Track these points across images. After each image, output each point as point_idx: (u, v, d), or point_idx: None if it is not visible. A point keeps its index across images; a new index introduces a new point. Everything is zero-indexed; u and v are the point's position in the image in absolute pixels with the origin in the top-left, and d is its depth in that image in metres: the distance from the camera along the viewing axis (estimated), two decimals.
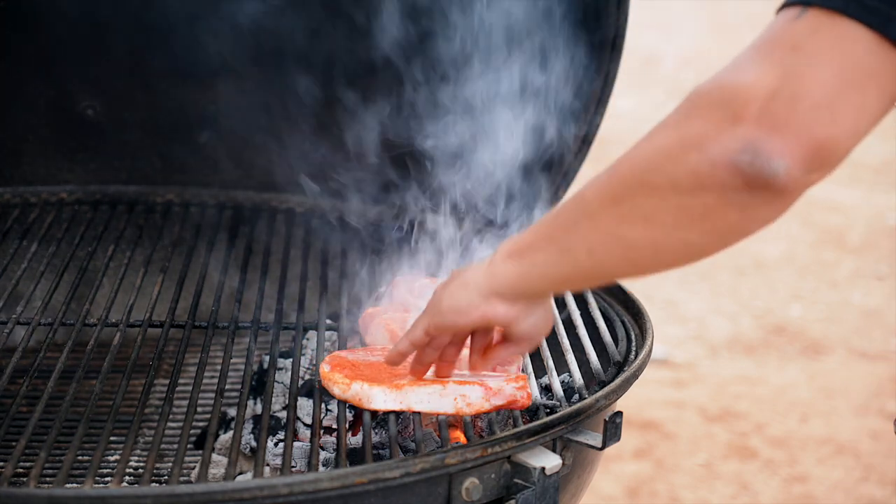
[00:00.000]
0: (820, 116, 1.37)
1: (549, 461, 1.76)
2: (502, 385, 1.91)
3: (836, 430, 4.48)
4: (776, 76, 1.38)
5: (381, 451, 1.97)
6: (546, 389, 2.14)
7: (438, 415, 1.90)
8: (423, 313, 1.84)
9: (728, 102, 1.40)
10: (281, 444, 2.05)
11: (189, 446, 2.26)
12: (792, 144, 1.38)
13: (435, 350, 1.86)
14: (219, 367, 2.15)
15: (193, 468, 2.18)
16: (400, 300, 2.29)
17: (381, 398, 1.90)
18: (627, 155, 1.53)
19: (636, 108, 8.21)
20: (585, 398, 1.93)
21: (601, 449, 1.84)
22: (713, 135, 1.41)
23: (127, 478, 2.19)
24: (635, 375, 2.03)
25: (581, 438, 1.84)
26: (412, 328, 1.85)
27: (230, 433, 2.17)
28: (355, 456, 1.95)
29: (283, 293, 2.41)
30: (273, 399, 2.16)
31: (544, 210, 2.97)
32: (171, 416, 2.33)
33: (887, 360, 5.05)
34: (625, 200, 1.52)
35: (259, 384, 2.27)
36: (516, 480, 1.76)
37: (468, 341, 1.95)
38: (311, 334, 2.34)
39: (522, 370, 2.07)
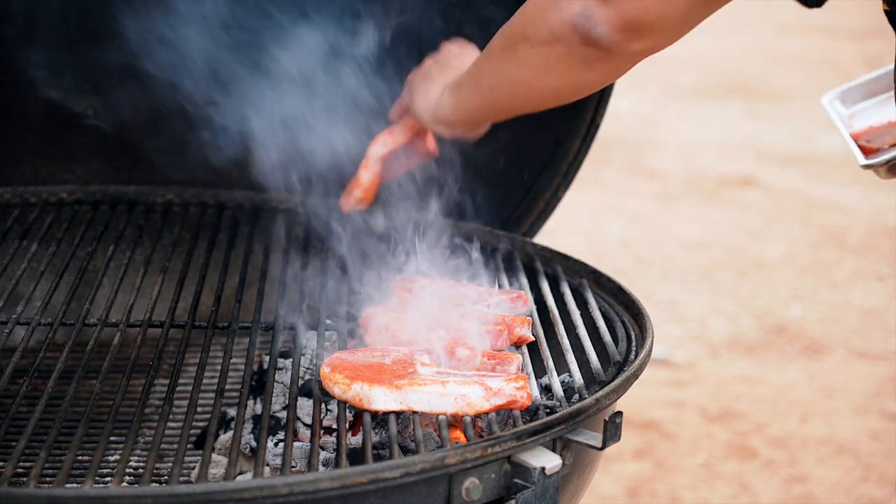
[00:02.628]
0: None
1: (549, 461, 1.76)
2: (502, 385, 1.91)
3: (836, 430, 4.48)
4: None
5: (381, 451, 1.97)
6: (546, 389, 2.14)
7: (438, 415, 1.90)
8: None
9: None
10: (281, 444, 2.05)
11: (189, 446, 2.26)
12: (612, 16, 1.82)
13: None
14: (219, 367, 2.15)
15: (193, 468, 2.18)
16: (400, 300, 2.29)
17: (381, 399, 1.90)
18: (519, 11, 1.98)
19: (636, 108, 8.21)
20: (585, 398, 1.93)
21: (601, 449, 1.84)
22: (565, 0, 1.85)
23: (127, 478, 2.19)
24: (635, 375, 2.03)
25: (581, 438, 1.84)
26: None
27: (230, 433, 2.17)
28: (355, 456, 1.95)
29: (283, 293, 2.41)
30: (273, 399, 2.16)
31: (544, 210, 2.97)
32: (171, 416, 2.33)
33: (887, 360, 5.05)
34: (510, 48, 2.00)
35: (259, 384, 2.27)
36: (516, 480, 1.76)
37: (467, 342, 1.95)
38: (311, 334, 2.34)
39: (522, 370, 2.07)
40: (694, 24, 1.87)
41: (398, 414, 1.91)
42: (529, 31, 1.95)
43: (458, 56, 2.35)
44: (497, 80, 2.07)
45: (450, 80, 2.23)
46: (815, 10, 1.91)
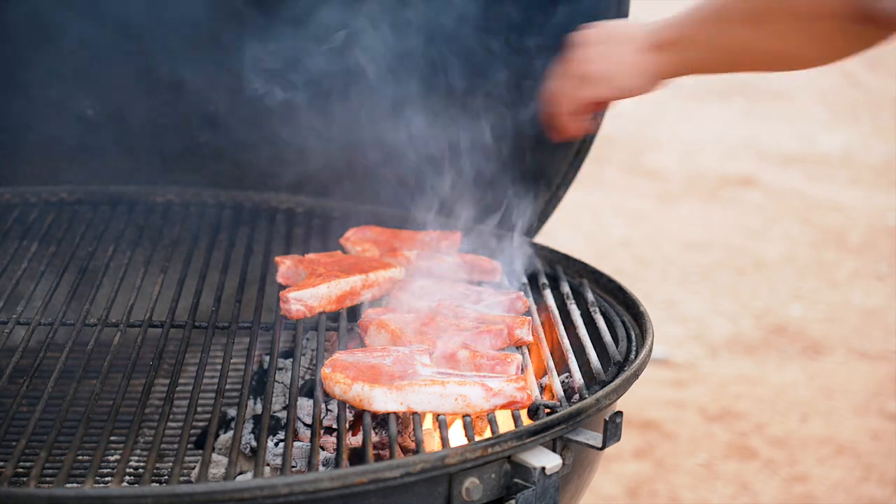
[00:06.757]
0: None
1: (549, 461, 1.76)
2: (502, 385, 1.91)
3: (836, 430, 4.48)
4: None
5: (381, 451, 1.97)
6: (546, 389, 2.14)
7: (438, 415, 1.90)
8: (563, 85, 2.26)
9: None
10: (281, 444, 2.05)
11: (189, 446, 2.26)
12: None
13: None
14: (219, 367, 2.15)
15: (193, 468, 2.18)
16: (400, 301, 2.29)
17: (381, 399, 1.90)
18: None
19: (636, 108, 8.20)
20: (585, 398, 1.93)
21: (601, 449, 1.84)
22: None
23: (127, 478, 2.20)
24: (635, 375, 2.03)
25: (581, 438, 1.84)
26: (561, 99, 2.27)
27: (230, 433, 2.17)
28: (355, 456, 1.95)
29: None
30: (273, 399, 2.15)
31: (544, 210, 2.97)
32: (171, 416, 2.33)
33: (887, 360, 5.05)
34: (763, 19, 1.95)
35: (259, 384, 2.27)
36: (516, 480, 1.76)
37: (467, 342, 1.94)
38: (311, 334, 2.34)
39: (522, 370, 2.07)
40: None
41: (398, 414, 1.91)
42: (798, 4, 1.90)
43: (614, 27, 2.23)
44: (742, 47, 2.02)
45: (642, 43, 2.13)
46: None
